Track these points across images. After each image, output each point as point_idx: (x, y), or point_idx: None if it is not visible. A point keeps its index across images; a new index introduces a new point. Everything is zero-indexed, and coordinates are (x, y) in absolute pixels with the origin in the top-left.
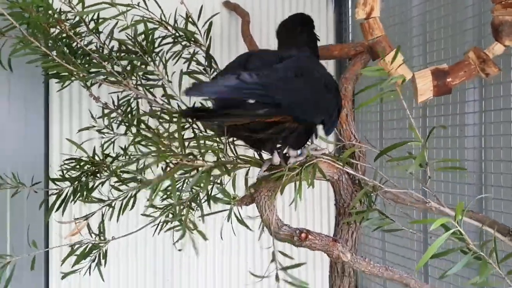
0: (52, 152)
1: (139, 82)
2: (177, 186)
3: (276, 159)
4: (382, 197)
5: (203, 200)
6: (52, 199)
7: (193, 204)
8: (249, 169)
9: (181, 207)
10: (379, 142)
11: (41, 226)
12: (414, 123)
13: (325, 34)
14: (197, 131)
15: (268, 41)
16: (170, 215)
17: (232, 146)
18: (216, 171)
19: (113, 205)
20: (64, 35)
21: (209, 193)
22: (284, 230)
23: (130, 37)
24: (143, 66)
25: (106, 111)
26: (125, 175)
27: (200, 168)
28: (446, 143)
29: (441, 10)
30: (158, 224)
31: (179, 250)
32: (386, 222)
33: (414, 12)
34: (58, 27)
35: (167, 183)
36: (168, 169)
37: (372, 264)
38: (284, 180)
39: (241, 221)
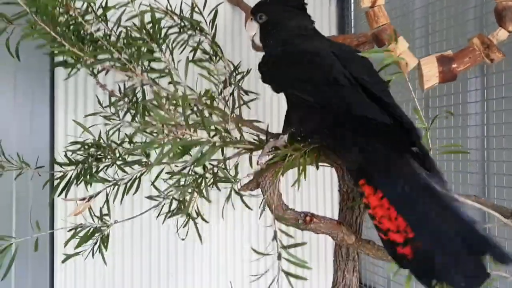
0: (57, 138)
1: (145, 69)
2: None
3: (281, 142)
4: None
5: (208, 183)
6: (56, 182)
7: (196, 190)
8: (252, 152)
9: (185, 192)
10: None
11: (46, 209)
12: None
13: (327, 27)
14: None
15: None
16: (174, 201)
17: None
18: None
19: (118, 183)
20: (73, 21)
21: (215, 173)
22: (289, 214)
23: (137, 26)
24: (150, 53)
25: (112, 98)
26: (130, 158)
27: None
28: (449, 133)
29: (443, 2)
30: (161, 209)
31: (182, 239)
32: None
33: (417, 4)
34: (66, 13)
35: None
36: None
37: (377, 247)
38: (286, 162)
39: (242, 200)
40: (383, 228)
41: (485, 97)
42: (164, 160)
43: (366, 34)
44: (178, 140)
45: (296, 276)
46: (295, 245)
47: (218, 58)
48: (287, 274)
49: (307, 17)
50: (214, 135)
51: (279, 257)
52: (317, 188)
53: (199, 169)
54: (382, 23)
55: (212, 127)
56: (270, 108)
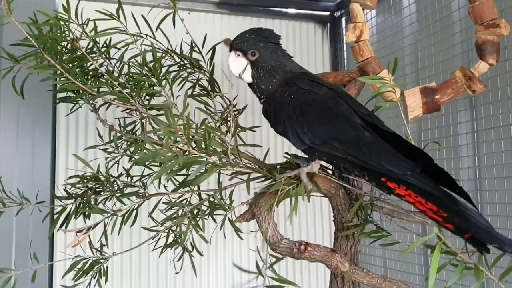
0: (58, 173)
1: (145, 104)
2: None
3: (316, 168)
4: (379, 212)
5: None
6: (56, 216)
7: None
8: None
9: (181, 223)
10: None
11: (45, 242)
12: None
13: (321, 64)
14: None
15: None
16: (171, 233)
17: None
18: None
19: (116, 214)
20: (78, 57)
21: (211, 201)
22: (284, 243)
23: (139, 63)
24: (151, 87)
25: (112, 133)
26: (128, 190)
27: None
28: (442, 164)
29: (431, 39)
30: (158, 241)
31: (176, 273)
32: (383, 235)
33: (406, 42)
34: (71, 48)
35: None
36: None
37: (371, 275)
38: (280, 194)
39: (234, 227)
40: (420, 209)
41: (475, 128)
42: (164, 177)
43: (356, 70)
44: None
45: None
46: (278, 260)
47: (215, 93)
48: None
49: (288, 53)
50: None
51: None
52: (315, 218)
53: (195, 200)
54: (366, 56)
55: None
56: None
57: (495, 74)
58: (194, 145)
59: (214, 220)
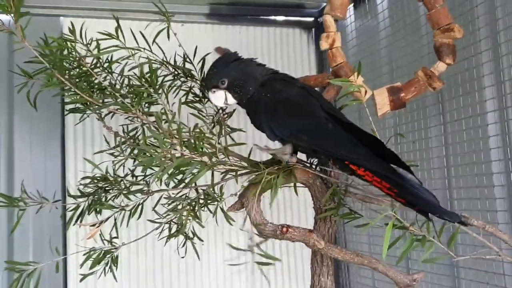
0: (68, 175)
1: (145, 112)
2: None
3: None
4: (352, 197)
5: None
6: (69, 213)
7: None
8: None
9: (181, 214)
10: None
11: (59, 238)
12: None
13: (307, 67)
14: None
15: None
16: (174, 224)
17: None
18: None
19: (124, 209)
20: (83, 73)
21: (207, 193)
22: (268, 227)
23: (137, 76)
24: (149, 97)
25: (117, 138)
26: (134, 188)
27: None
28: (415, 154)
29: (402, 42)
30: (161, 231)
31: (182, 257)
32: (355, 217)
33: (382, 45)
34: (78, 66)
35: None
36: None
37: (344, 251)
38: (262, 184)
39: (225, 215)
40: (377, 186)
41: (442, 120)
42: (159, 182)
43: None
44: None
45: (267, 264)
46: (264, 240)
47: (206, 100)
48: (259, 263)
49: (250, 60)
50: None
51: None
52: (299, 205)
53: (193, 194)
54: (339, 61)
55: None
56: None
57: (456, 72)
58: (186, 149)
59: (210, 211)
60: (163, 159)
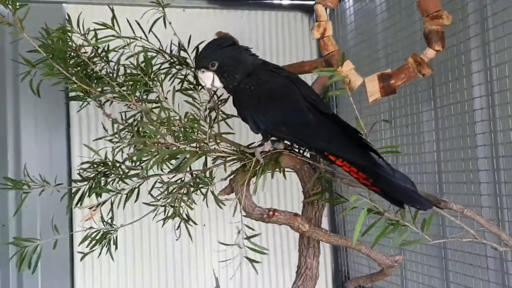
0: (73, 159)
1: (141, 99)
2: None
3: (267, 147)
4: (340, 182)
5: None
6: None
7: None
8: (225, 163)
9: (176, 196)
10: None
11: (65, 218)
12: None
13: (309, 51)
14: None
15: None
16: (169, 208)
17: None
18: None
19: (120, 193)
20: (81, 62)
21: (196, 178)
22: (256, 211)
23: (133, 65)
24: (145, 85)
25: (115, 125)
26: (131, 172)
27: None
28: (408, 139)
29: (396, 26)
30: (156, 214)
31: (176, 239)
32: (340, 201)
33: (378, 29)
34: (76, 56)
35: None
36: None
37: (329, 233)
38: (250, 172)
39: (215, 198)
40: (354, 176)
41: (433, 106)
42: (155, 167)
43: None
44: (166, 149)
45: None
46: (255, 235)
47: (200, 87)
48: (249, 259)
49: (244, 48)
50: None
51: (239, 246)
52: (292, 189)
53: (188, 178)
54: (330, 50)
55: (193, 138)
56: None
57: (447, 57)
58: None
59: (202, 194)
60: (153, 149)
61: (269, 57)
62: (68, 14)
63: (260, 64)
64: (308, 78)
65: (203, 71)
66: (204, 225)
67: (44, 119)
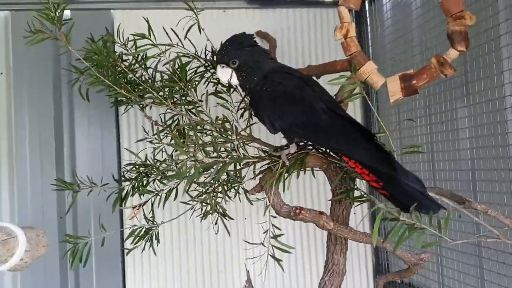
0: (123, 159)
1: (178, 103)
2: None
3: (293, 149)
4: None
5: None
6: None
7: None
8: (255, 164)
9: (211, 194)
10: None
11: (116, 215)
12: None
13: None
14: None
15: (290, 63)
16: (205, 204)
17: (243, 147)
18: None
19: (160, 194)
20: (122, 70)
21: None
22: (284, 209)
23: (169, 70)
24: (180, 90)
25: (156, 127)
26: (169, 173)
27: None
28: (443, 136)
29: (431, 22)
30: (193, 211)
31: (216, 233)
32: (365, 200)
33: (414, 25)
34: (116, 66)
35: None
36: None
37: (354, 231)
38: (280, 171)
39: (246, 194)
40: (366, 179)
41: (467, 103)
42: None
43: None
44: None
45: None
46: (280, 235)
47: (232, 90)
48: (273, 257)
49: (264, 51)
50: (226, 156)
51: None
52: (318, 187)
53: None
54: (353, 51)
55: (222, 149)
56: None
57: (480, 54)
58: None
59: (236, 190)
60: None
61: (308, 55)
62: (112, 23)
63: (276, 67)
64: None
65: (223, 66)
66: (246, 218)
67: (96, 121)
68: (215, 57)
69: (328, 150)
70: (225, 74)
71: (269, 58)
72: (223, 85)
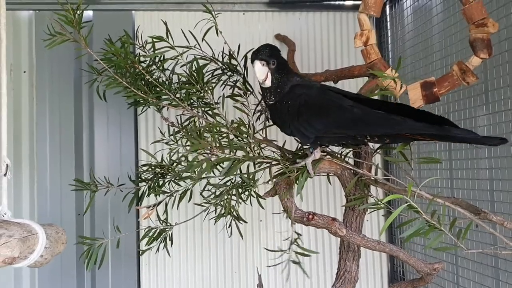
0: (140, 158)
1: (194, 105)
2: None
3: (318, 155)
4: (381, 188)
5: (240, 191)
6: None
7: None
8: (270, 167)
9: (225, 196)
10: None
11: (133, 215)
12: None
13: None
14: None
15: (309, 66)
16: (219, 207)
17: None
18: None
19: (173, 195)
20: (139, 72)
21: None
22: (297, 213)
23: (187, 73)
24: (197, 93)
25: (172, 128)
26: (184, 174)
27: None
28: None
29: (452, 29)
30: (207, 214)
31: (229, 236)
32: (379, 207)
33: (435, 30)
34: (134, 68)
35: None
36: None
37: (366, 239)
38: (293, 176)
39: (258, 197)
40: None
41: (486, 111)
42: (203, 175)
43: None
44: (213, 158)
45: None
46: (297, 239)
47: (248, 93)
48: (294, 263)
49: (290, 68)
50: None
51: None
52: (335, 193)
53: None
54: (373, 58)
55: (238, 146)
56: None
57: (500, 63)
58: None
59: (251, 195)
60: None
61: (327, 58)
62: (132, 25)
63: (297, 81)
64: (353, 84)
65: (263, 64)
66: (261, 220)
67: (116, 120)
68: (249, 54)
69: (368, 141)
70: (263, 72)
71: (294, 72)
72: (239, 88)
